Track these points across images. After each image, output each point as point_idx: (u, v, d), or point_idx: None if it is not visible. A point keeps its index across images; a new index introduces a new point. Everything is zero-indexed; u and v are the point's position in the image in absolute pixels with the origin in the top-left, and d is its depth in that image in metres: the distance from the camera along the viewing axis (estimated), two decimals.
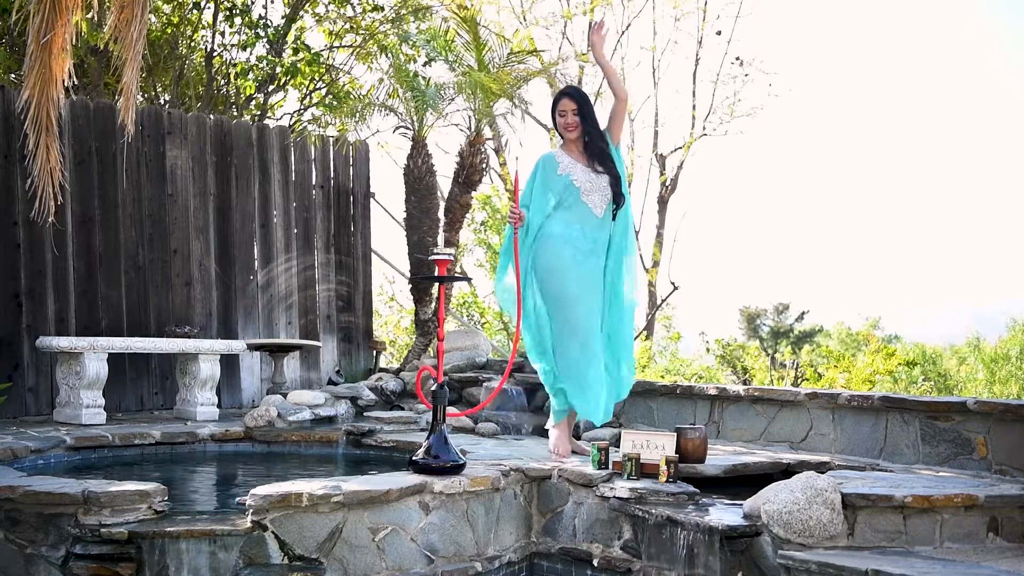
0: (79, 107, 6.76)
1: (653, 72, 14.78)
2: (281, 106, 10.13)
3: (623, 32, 14.38)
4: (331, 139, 8.14)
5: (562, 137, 5.04)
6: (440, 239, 7.21)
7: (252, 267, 7.60)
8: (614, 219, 4.98)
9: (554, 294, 4.86)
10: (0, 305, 6.35)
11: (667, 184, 15.02)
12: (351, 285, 8.13)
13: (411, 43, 8.40)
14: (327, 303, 7.98)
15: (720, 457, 4.74)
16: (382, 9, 9.44)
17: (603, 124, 5.02)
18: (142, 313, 6.99)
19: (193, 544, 3.44)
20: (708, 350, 14.97)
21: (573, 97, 5.00)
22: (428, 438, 4.18)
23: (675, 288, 14.54)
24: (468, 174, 7.38)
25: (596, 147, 4.96)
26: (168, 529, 3.45)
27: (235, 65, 9.44)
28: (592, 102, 5.19)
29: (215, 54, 9.36)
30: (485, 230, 11.36)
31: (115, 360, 6.21)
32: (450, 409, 4.67)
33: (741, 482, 4.37)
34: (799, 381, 13.67)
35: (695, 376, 12.50)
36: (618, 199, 4.96)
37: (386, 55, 8.43)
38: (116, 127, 6.80)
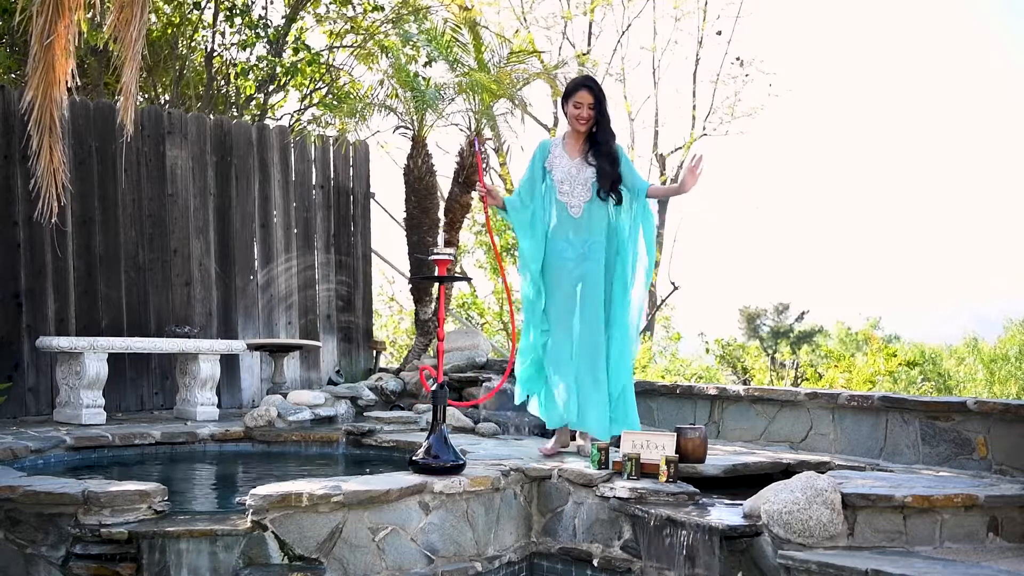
0: (79, 107, 6.76)
1: (653, 72, 14.82)
2: (281, 106, 10.14)
3: (623, 32, 14.39)
4: (331, 139, 8.14)
5: (572, 128, 4.87)
6: (440, 239, 7.20)
7: (252, 267, 7.60)
8: (619, 203, 4.80)
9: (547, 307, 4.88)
10: (0, 305, 6.35)
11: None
12: (351, 285, 8.13)
13: (412, 43, 8.40)
14: (327, 303, 7.98)
15: (720, 457, 4.74)
16: (382, 9, 9.44)
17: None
18: (142, 313, 6.99)
19: (193, 544, 3.45)
20: (708, 350, 14.94)
21: (592, 90, 4.77)
22: (428, 438, 4.18)
23: (675, 288, 14.55)
24: (468, 174, 7.38)
25: (598, 138, 4.80)
26: (168, 529, 3.46)
27: (235, 65, 9.44)
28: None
29: (215, 54, 9.36)
30: (487, 232, 11.34)
31: (115, 360, 6.21)
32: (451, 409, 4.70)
33: (741, 482, 4.38)
34: (799, 381, 13.64)
35: (695, 376, 12.48)
36: (603, 190, 4.76)
37: (386, 55, 8.42)
38: (116, 127, 6.80)
